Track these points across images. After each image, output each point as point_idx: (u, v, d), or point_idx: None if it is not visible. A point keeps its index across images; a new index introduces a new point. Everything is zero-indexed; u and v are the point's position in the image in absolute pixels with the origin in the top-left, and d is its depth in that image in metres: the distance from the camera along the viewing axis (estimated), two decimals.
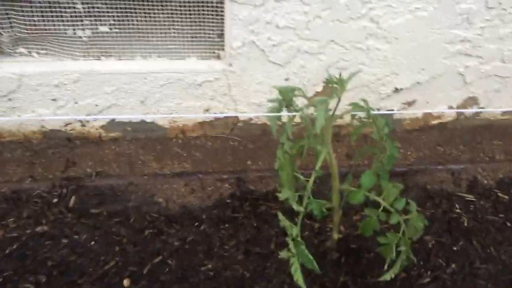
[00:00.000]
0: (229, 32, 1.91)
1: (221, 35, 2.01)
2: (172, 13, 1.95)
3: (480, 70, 2.19)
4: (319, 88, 2.14)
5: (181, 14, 1.95)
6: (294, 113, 1.37)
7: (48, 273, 1.72)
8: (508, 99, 2.36)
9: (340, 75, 1.32)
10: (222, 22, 1.95)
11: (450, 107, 2.36)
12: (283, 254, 1.50)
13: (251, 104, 2.17)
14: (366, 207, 1.55)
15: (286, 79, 2.08)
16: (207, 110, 2.18)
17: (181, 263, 1.78)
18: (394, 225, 1.49)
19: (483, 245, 1.92)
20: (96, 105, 2.10)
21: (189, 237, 1.87)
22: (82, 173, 2.11)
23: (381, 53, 2.03)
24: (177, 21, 1.97)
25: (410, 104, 2.29)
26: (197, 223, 1.94)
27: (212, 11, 1.92)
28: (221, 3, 1.89)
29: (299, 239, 1.42)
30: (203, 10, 1.94)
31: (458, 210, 2.07)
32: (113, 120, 2.18)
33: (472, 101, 2.34)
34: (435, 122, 2.42)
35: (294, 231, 1.41)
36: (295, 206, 1.41)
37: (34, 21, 1.90)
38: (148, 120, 2.20)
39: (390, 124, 1.41)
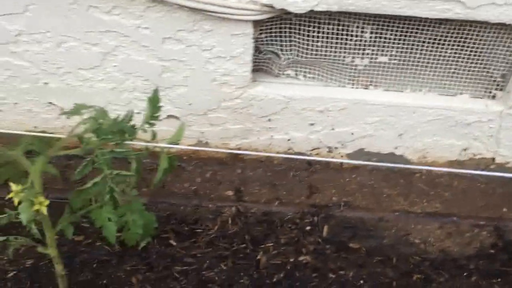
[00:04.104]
0: None
1: (504, 75, 1.92)
2: (460, 49, 1.89)
3: None
4: None
5: (468, 50, 1.88)
6: None
7: None
8: None
9: None
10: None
11: None
12: None
13: None
14: None
15: None
16: (464, 150, 2.11)
17: None
18: None
19: None
20: (352, 133, 2.10)
21: None
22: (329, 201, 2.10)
23: None
24: (462, 57, 1.90)
25: None
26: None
27: (505, 50, 1.85)
28: None
29: None
30: (494, 48, 1.87)
31: None
32: (361, 150, 2.16)
33: None
34: None
35: None
36: None
37: (318, 46, 1.91)
38: (398, 153, 2.15)
39: None
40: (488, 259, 1.92)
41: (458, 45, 1.93)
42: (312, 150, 2.20)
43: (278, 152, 2.21)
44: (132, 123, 1.51)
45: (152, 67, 1.96)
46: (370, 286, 1.81)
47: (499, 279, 1.85)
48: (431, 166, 2.21)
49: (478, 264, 1.90)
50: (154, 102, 1.53)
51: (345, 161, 2.19)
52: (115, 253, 1.78)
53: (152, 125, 1.53)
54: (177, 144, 1.59)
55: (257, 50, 1.98)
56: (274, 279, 1.80)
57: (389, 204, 2.12)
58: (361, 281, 1.82)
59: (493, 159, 2.16)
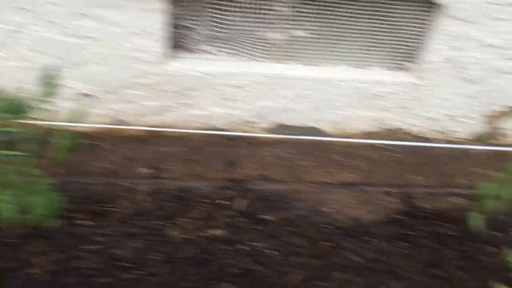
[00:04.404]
0: (429, 46, 1.89)
1: (414, 47, 1.98)
2: (373, 23, 1.92)
3: None
4: (501, 109, 2.10)
5: (381, 25, 1.92)
6: None
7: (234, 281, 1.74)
8: None
9: None
10: (422, 35, 1.91)
11: None
12: None
13: (425, 117, 2.17)
14: None
15: (471, 97, 2.06)
16: (379, 121, 2.18)
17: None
18: None
19: None
20: (270, 108, 2.12)
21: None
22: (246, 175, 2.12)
23: None
24: (376, 31, 1.95)
25: None
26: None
27: (415, 23, 1.89)
28: (428, 15, 1.85)
29: None
30: (405, 22, 1.90)
31: None
32: (279, 123, 2.19)
33: None
34: None
35: None
36: None
37: (234, 21, 1.90)
38: (315, 126, 2.20)
39: None
40: (396, 224, 2.00)
41: (373, 19, 1.96)
42: (231, 125, 2.21)
43: (197, 128, 2.20)
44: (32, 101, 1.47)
45: (63, 44, 1.90)
46: (283, 256, 1.85)
47: (406, 243, 1.93)
48: (348, 137, 2.27)
49: (386, 230, 1.98)
50: (48, 80, 1.48)
51: (262, 135, 2.22)
52: (22, 235, 1.74)
53: (46, 103, 1.49)
54: (79, 122, 1.56)
55: (173, 26, 1.95)
56: (187, 254, 1.81)
57: (306, 176, 2.17)
58: (274, 252, 1.86)
59: (404, 128, 2.23)
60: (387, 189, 2.13)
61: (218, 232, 1.90)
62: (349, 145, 2.30)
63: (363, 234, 1.96)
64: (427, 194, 2.14)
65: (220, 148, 2.20)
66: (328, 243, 1.91)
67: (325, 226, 1.97)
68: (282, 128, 2.22)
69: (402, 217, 2.03)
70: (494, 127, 2.18)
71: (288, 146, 2.27)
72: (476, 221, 1.66)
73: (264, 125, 2.21)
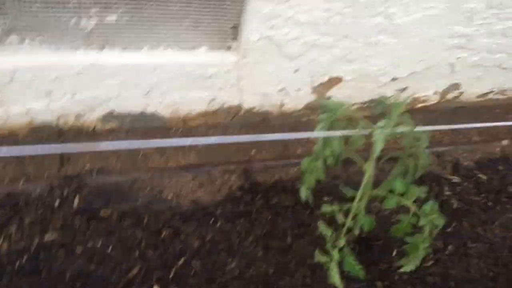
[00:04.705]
0: (247, 26, 1.92)
1: (235, 27, 1.98)
2: (192, 4, 1.87)
3: (468, 61, 2.38)
4: (324, 79, 2.21)
5: (198, 4, 1.88)
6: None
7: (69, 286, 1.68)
8: (486, 83, 2.59)
9: (394, 98, 1.40)
10: (240, 15, 1.92)
11: (436, 92, 2.54)
12: (320, 259, 1.63)
13: (258, 93, 2.22)
14: None
15: (296, 71, 2.13)
16: (212, 100, 2.17)
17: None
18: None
19: (472, 226, 2.15)
20: (96, 97, 2.02)
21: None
22: (81, 170, 2.03)
23: (388, 47, 2.13)
24: (193, 11, 1.91)
25: (402, 90, 2.44)
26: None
27: (232, 3, 1.89)
28: None
29: (345, 249, 1.54)
30: (223, 2, 1.89)
31: (447, 193, 2.28)
32: (111, 112, 2.09)
33: (454, 86, 2.54)
34: (420, 105, 2.60)
35: (341, 242, 1.53)
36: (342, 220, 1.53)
37: (37, 8, 1.74)
38: (149, 111, 2.14)
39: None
40: (234, 202, 2.05)
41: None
42: (59, 119, 2.07)
43: (19, 126, 2.03)
44: None
45: None
46: (119, 251, 1.81)
47: (241, 220, 2.00)
48: (184, 119, 2.24)
49: (224, 209, 2.02)
50: None
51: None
52: None
53: None
54: None
55: None
56: (16, 265, 1.70)
57: (145, 163, 2.13)
58: (110, 248, 1.81)
59: (240, 106, 2.27)
60: (227, 168, 2.17)
61: (49, 236, 1.81)
62: (188, 126, 2.29)
63: (203, 216, 1.98)
64: (266, 168, 2.21)
65: (51, 144, 2.05)
66: (168, 231, 1.91)
67: (164, 213, 1.96)
68: (113, 117, 2.13)
69: (241, 194, 2.09)
70: (321, 97, 2.30)
71: (125, 134, 2.20)
72: (302, 192, 1.76)
73: (94, 115, 2.10)
